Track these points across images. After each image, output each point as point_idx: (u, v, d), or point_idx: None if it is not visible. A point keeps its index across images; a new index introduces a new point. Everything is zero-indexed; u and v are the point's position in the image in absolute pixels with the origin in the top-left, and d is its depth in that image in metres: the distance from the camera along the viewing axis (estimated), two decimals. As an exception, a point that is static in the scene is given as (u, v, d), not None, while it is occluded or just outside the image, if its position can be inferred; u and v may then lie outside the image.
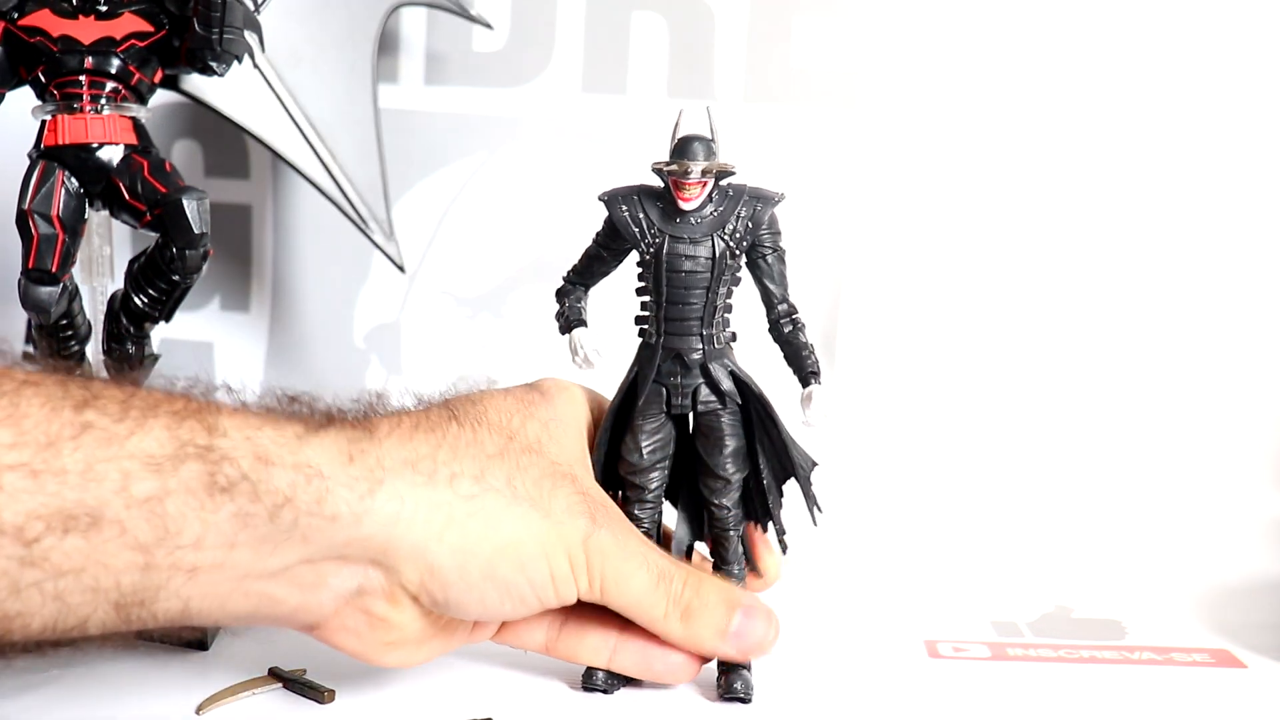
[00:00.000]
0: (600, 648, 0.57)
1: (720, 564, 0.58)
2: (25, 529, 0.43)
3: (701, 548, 0.61)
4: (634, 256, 0.57)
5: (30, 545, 0.43)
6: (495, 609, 0.52)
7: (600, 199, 0.56)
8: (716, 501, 0.57)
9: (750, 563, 0.59)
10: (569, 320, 0.57)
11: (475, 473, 0.51)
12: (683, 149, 0.54)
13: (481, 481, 0.51)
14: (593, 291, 0.59)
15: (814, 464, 0.58)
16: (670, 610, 0.54)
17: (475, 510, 0.50)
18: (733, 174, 0.55)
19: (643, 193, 0.56)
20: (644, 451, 0.57)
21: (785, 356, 0.57)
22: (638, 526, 0.58)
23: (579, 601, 0.55)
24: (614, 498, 0.59)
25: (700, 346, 0.56)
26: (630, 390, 0.57)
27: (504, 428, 0.53)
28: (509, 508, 0.51)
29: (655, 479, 0.58)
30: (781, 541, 0.59)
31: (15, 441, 0.43)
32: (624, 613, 0.55)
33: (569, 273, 0.58)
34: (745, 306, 0.58)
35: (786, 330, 0.57)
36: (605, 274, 0.58)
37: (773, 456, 0.57)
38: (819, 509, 0.57)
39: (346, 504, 0.48)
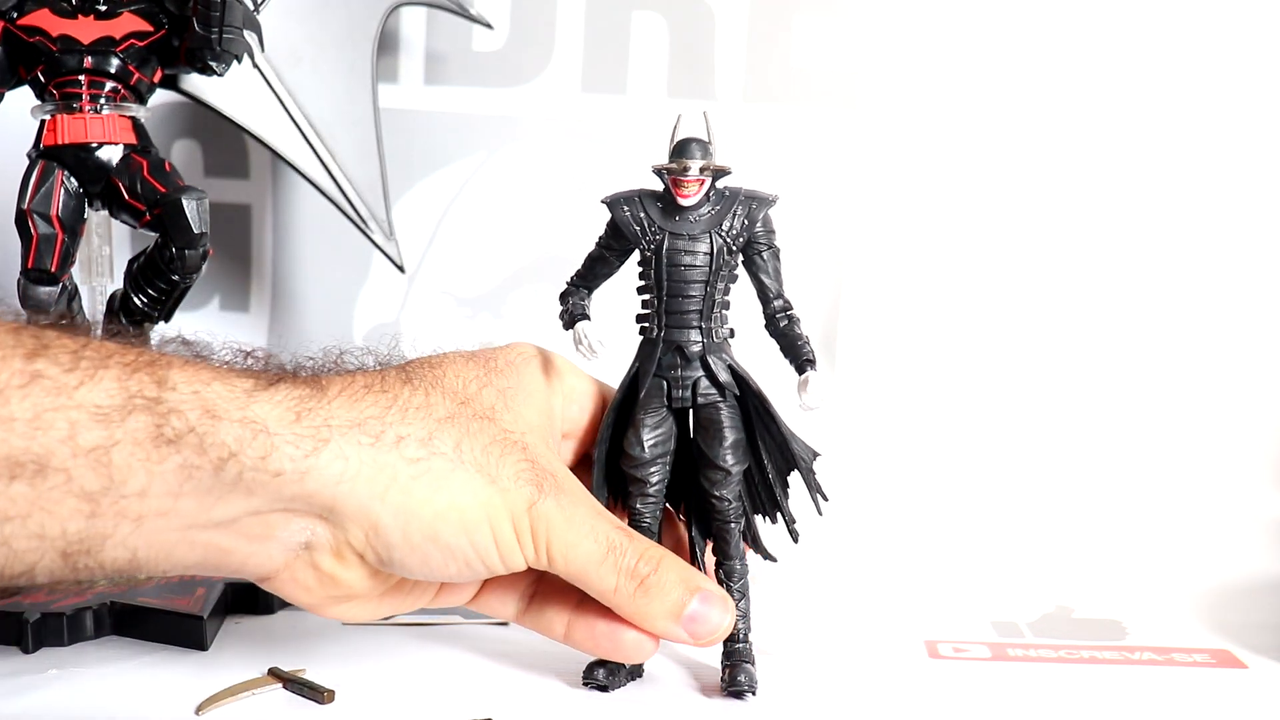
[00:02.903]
0: (555, 623, 0.58)
1: (723, 559, 0.59)
2: None
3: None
4: (634, 258, 0.58)
5: None
6: (440, 570, 0.53)
7: (603, 202, 0.58)
8: (717, 494, 0.58)
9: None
10: (573, 315, 0.58)
11: (423, 436, 0.51)
12: (681, 149, 0.56)
13: (428, 445, 0.51)
14: (594, 295, 0.59)
15: (816, 455, 0.58)
16: (622, 584, 0.54)
17: (420, 473, 0.51)
18: (729, 173, 0.57)
19: (643, 195, 0.58)
20: (645, 445, 0.58)
21: (781, 348, 0.57)
22: (639, 521, 0.58)
23: (545, 574, 0.55)
24: (616, 496, 0.60)
25: (700, 339, 0.57)
26: (632, 386, 0.58)
27: (458, 393, 0.54)
28: (454, 472, 0.51)
29: (656, 473, 0.58)
30: (792, 531, 0.59)
31: None
32: (575, 583, 0.55)
33: (572, 276, 0.59)
34: (743, 305, 0.58)
35: (782, 324, 0.57)
36: (607, 276, 0.59)
37: (774, 450, 0.58)
38: (824, 498, 0.58)
39: (291, 460, 0.48)
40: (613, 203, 0.57)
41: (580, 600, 0.57)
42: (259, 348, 0.53)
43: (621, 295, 0.59)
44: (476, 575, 0.54)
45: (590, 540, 0.53)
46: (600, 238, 0.59)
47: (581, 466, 0.61)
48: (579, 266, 0.59)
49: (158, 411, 0.46)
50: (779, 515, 0.59)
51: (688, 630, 0.55)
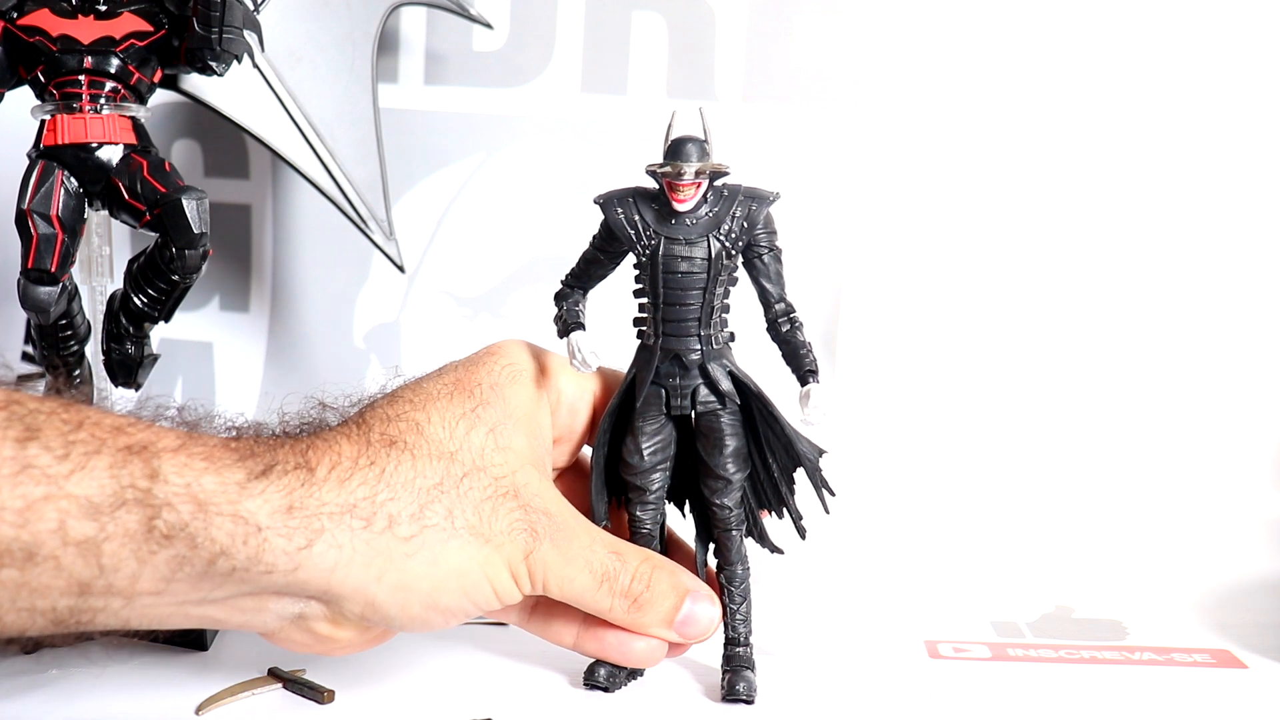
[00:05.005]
0: (564, 633, 0.58)
1: (724, 564, 0.58)
2: None
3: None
4: (631, 259, 0.56)
5: None
6: (439, 626, 0.54)
7: (596, 202, 0.56)
8: (718, 502, 0.57)
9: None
10: (567, 323, 0.57)
11: (414, 511, 0.51)
12: (676, 150, 0.54)
13: (420, 519, 0.51)
14: (591, 294, 0.59)
15: (821, 452, 0.57)
16: (616, 604, 0.55)
17: (414, 550, 0.51)
18: (726, 174, 0.55)
19: (638, 195, 0.56)
20: (644, 453, 0.57)
21: (783, 355, 0.56)
22: (639, 528, 0.58)
23: None
24: (617, 498, 0.60)
25: (698, 347, 0.56)
26: (629, 392, 0.57)
27: (444, 448, 0.53)
28: (449, 541, 0.52)
29: (656, 480, 0.58)
30: (799, 527, 0.58)
31: None
32: (573, 605, 0.56)
33: (567, 276, 0.58)
34: (743, 306, 0.58)
35: (784, 329, 0.56)
36: (603, 277, 0.58)
37: (780, 450, 0.57)
38: (831, 493, 0.57)
39: (284, 554, 0.49)
40: (605, 203, 0.56)
41: (586, 614, 0.57)
42: (246, 421, 0.53)
43: (619, 299, 0.58)
44: (472, 617, 0.55)
45: (585, 572, 0.54)
46: (594, 238, 0.57)
47: (577, 467, 0.62)
48: (573, 265, 0.58)
49: (150, 505, 0.46)
50: (785, 512, 0.59)
51: (679, 633, 0.56)
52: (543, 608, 0.58)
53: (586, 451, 0.61)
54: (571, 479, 0.61)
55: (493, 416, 0.55)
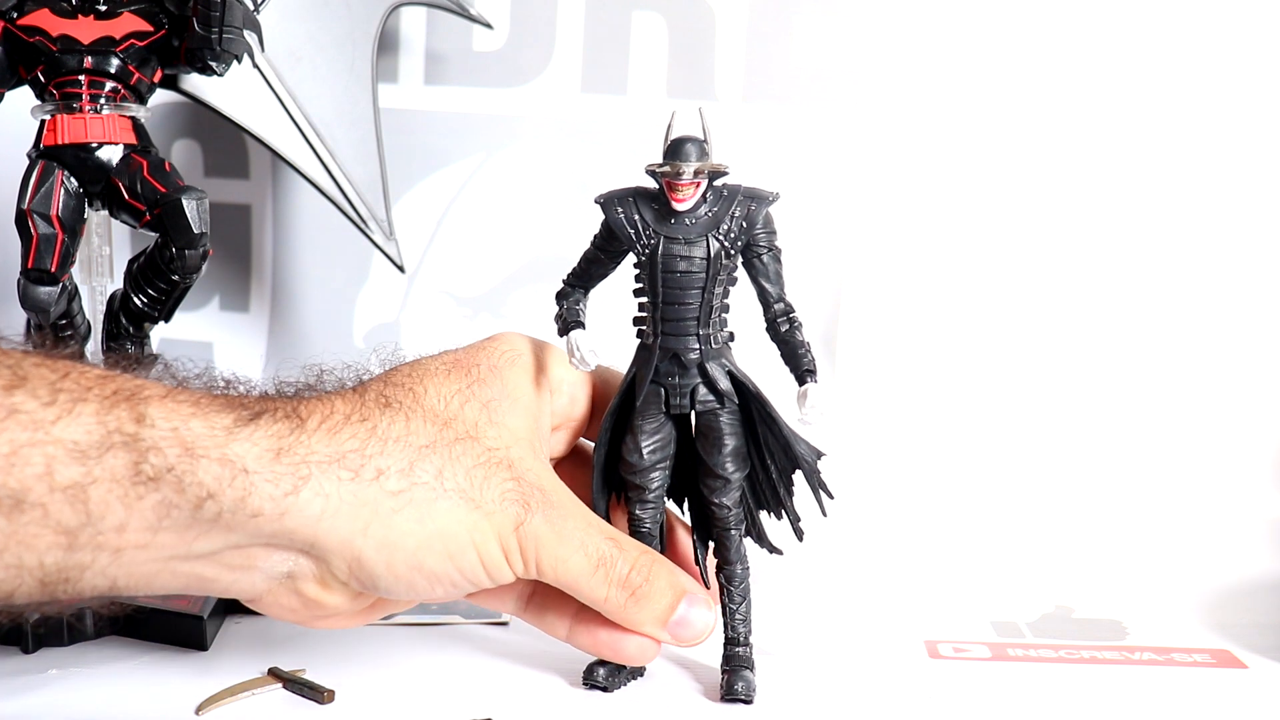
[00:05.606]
0: (557, 625, 0.58)
1: (723, 564, 0.58)
2: None
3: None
4: (632, 258, 0.57)
5: None
6: (425, 594, 0.53)
7: (596, 201, 0.56)
8: (717, 501, 0.57)
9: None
10: (566, 322, 0.57)
11: (403, 467, 0.51)
12: (675, 150, 0.54)
13: (409, 475, 0.51)
14: (592, 293, 0.59)
15: (820, 454, 0.57)
16: (613, 594, 0.54)
17: (401, 505, 0.50)
18: (725, 174, 0.55)
19: (638, 194, 0.56)
20: (644, 452, 0.57)
21: (782, 355, 0.57)
22: (639, 526, 0.58)
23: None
24: (616, 498, 0.60)
25: (697, 346, 0.56)
26: (629, 391, 0.57)
27: (439, 415, 0.53)
28: (437, 501, 0.51)
29: (656, 479, 0.58)
30: (796, 529, 0.58)
31: None
32: (567, 591, 0.55)
33: (568, 275, 0.58)
34: (743, 306, 0.58)
35: (783, 329, 0.56)
36: (603, 276, 0.58)
37: (778, 451, 0.57)
38: (829, 495, 0.57)
39: (271, 499, 0.48)
40: (606, 203, 0.56)
41: (581, 606, 0.57)
42: (239, 377, 0.53)
43: (619, 298, 0.58)
44: (463, 593, 0.54)
45: (580, 554, 0.54)
46: (595, 238, 0.57)
47: (575, 457, 0.61)
48: (575, 265, 0.58)
49: (136, 449, 0.46)
50: (783, 513, 0.59)
51: (672, 634, 0.56)
52: (538, 596, 0.58)
53: (585, 442, 0.61)
54: (571, 467, 0.60)
55: (488, 394, 0.55)
